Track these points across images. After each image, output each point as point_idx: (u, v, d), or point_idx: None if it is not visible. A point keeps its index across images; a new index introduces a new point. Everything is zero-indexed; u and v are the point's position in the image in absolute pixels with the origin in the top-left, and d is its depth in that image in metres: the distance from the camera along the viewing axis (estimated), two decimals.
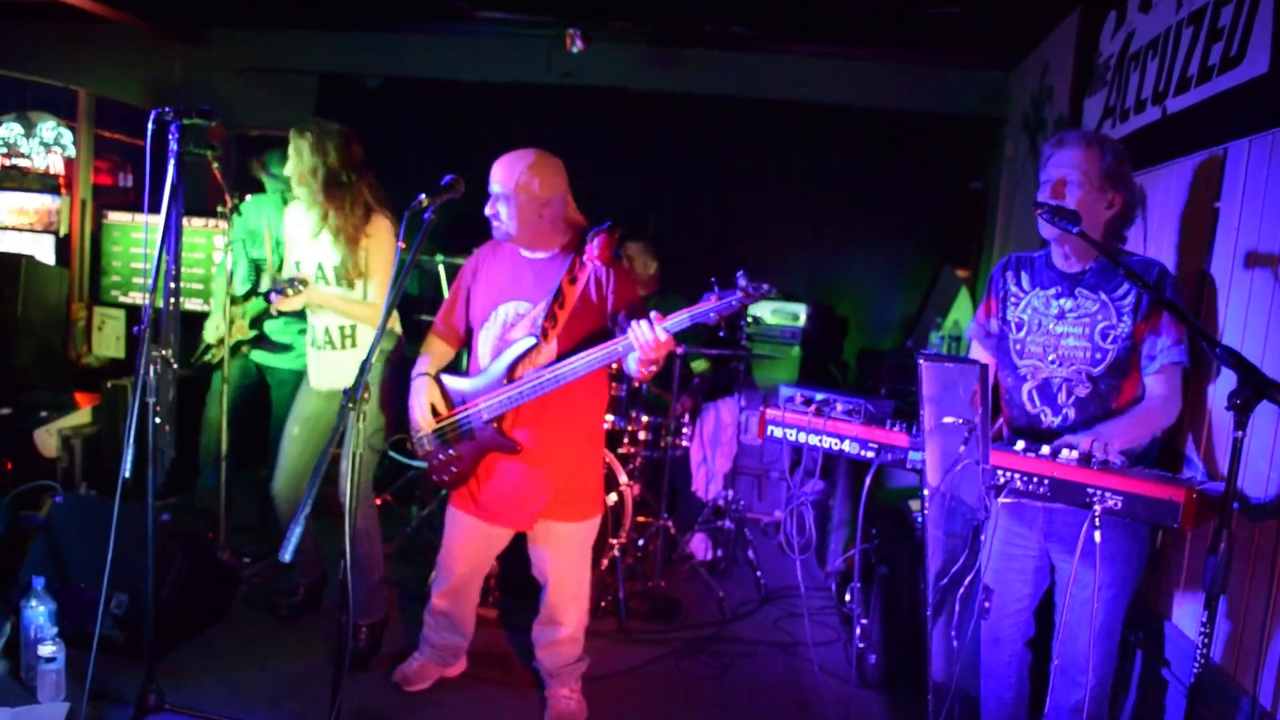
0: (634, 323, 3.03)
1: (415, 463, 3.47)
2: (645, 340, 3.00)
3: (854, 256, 6.91)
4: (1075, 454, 2.47)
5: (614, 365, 4.77)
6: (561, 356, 3.25)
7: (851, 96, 6.70)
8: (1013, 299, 2.99)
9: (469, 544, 3.59)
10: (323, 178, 3.72)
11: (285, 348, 4.65)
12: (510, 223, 3.32)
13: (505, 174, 3.30)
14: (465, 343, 3.59)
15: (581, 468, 3.50)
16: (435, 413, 3.44)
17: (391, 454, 3.48)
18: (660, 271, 5.50)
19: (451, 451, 3.43)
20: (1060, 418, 2.84)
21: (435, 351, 3.57)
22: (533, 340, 3.27)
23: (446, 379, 3.49)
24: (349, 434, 2.67)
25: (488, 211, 3.33)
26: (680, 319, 3.00)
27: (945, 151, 6.65)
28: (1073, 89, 4.72)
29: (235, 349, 4.68)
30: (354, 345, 3.81)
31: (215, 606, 4.09)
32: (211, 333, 4.77)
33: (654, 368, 3.16)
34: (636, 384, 4.98)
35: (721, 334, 3.15)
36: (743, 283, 2.92)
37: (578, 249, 3.40)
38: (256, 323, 4.70)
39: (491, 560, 3.71)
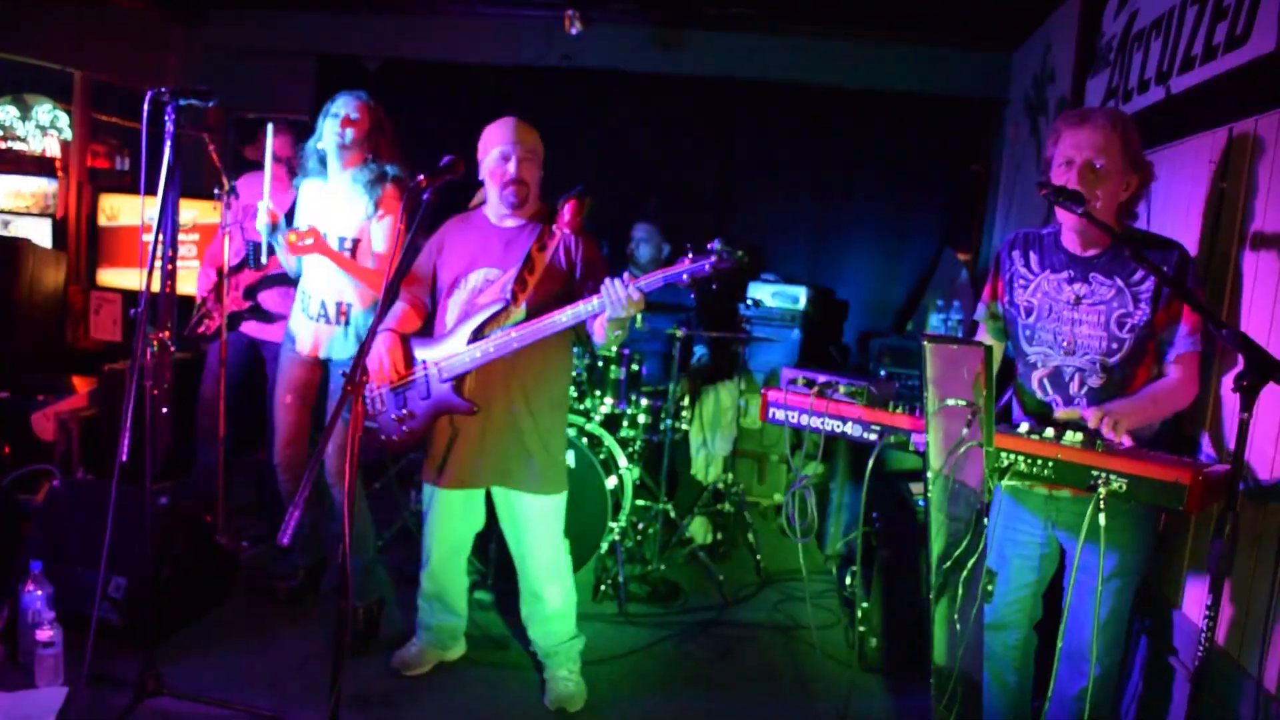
0: (607, 280, 3.06)
1: (369, 423, 3.48)
2: (617, 298, 3.03)
3: (854, 239, 6.88)
4: (1080, 436, 2.45)
5: (614, 350, 4.80)
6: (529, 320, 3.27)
7: (852, 78, 6.66)
8: (1020, 281, 2.89)
9: (447, 520, 3.61)
10: (379, 140, 3.80)
11: (280, 318, 4.64)
12: (531, 185, 3.39)
13: (529, 134, 3.37)
14: (428, 313, 3.60)
15: (550, 439, 3.51)
16: (395, 371, 3.46)
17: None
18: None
19: (404, 410, 3.45)
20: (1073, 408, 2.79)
21: (399, 313, 3.56)
22: (501, 304, 3.30)
23: (411, 340, 3.50)
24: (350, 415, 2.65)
25: (520, 174, 3.33)
26: (653, 279, 3.04)
27: (946, 133, 6.61)
28: (1075, 69, 4.69)
29: (231, 321, 4.65)
30: (347, 323, 3.81)
31: (214, 590, 4.08)
32: (203, 286, 4.72)
33: (618, 332, 3.21)
34: (632, 360, 4.94)
35: (714, 286, 3.22)
36: (716, 247, 2.94)
37: (546, 219, 3.43)
38: (250, 293, 4.67)
39: (470, 537, 3.72)
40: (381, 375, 3.43)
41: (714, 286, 3.13)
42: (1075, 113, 2.73)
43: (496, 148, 3.34)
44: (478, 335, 3.31)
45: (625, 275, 3.05)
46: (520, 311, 3.30)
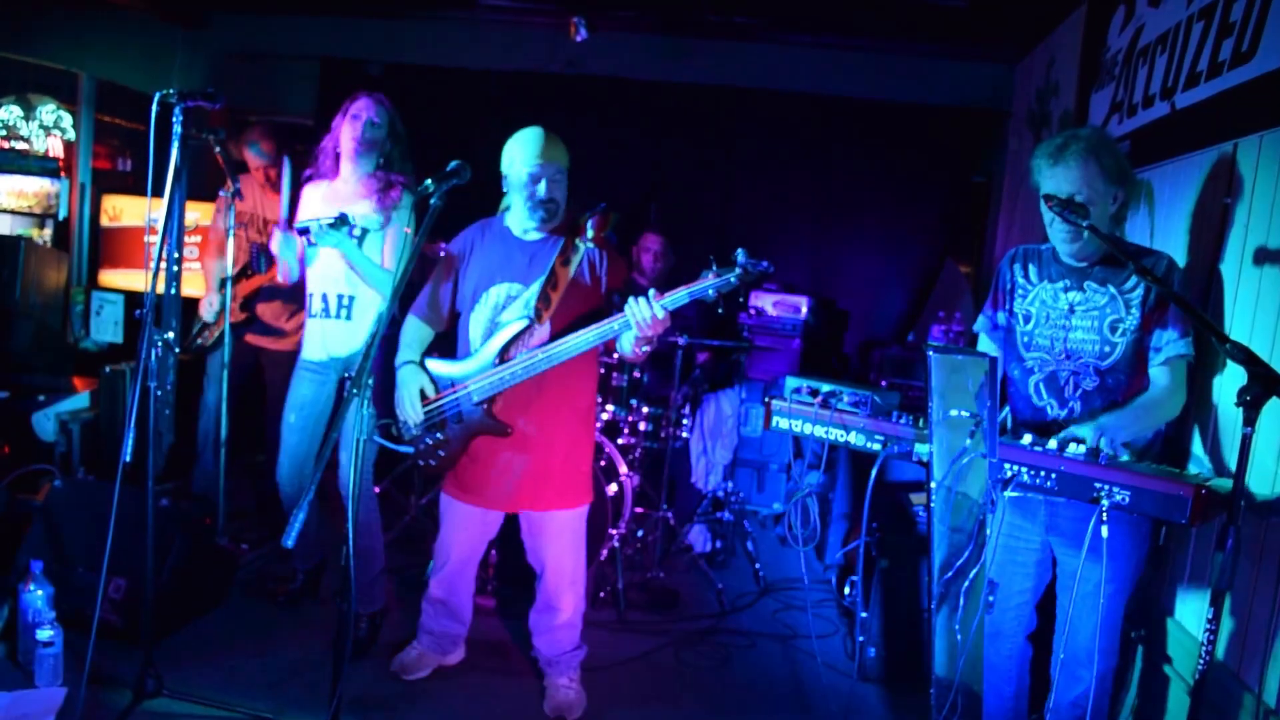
0: (631, 299, 3.02)
1: (402, 448, 3.46)
2: (642, 317, 3.00)
3: (856, 249, 6.87)
4: (1083, 449, 2.46)
5: (614, 355, 4.80)
6: (555, 337, 3.24)
7: (855, 88, 6.67)
8: (1020, 291, 2.98)
9: (464, 530, 3.58)
10: (393, 147, 3.80)
11: (277, 331, 4.65)
12: (560, 202, 3.34)
13: (558, 151, 3.31)
14: (448, 325, 3.56)
15: (575, 452, 3.50)
16: (424, 396, 3.42)
17: (377, 439, 3.46)
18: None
19: (440, 435, 3.42)
20: (1066, 411, 2.84)
21: (416, 336, 3.52)
22: (525, 321, 3.26)
23: (433, 364, 3.46)
24: (350, 420, 2.65)
25: (550, 195, 3.29)
26: (678, 295, 3.00)
27: (949, 144, 6.61)
28: (1079, 83, 4.70)
29: (232, 332, 4.66)
30: (349, 318, 3.78)
31: (213, 592, 4.08)
32: (208, 310, 4.74)
33: (648, 347, 3.17)
34: (633, 368, 4.95)
35: (720, 311, 3.25)
36: (742, 259, 2.91)
37: (569, 231, 3.39)
38: (249, 304, 4.68)
39: (485, 546, 3.71)
40: (414, 409, 3.41)
41: (741, 300, 3.10)
42: (1048, 150, 2.77)
43: (525, 168, 3.28)
44: (504, 354, 3.28)
45: (652, 292, 3.01)
46: (544, 328, 3.27)
